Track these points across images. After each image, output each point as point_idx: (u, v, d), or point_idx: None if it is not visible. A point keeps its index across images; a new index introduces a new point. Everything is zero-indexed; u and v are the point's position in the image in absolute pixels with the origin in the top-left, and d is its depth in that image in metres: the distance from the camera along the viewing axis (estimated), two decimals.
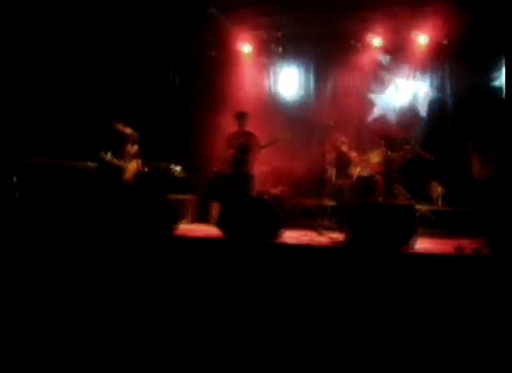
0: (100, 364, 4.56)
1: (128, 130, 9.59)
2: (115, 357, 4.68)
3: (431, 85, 11.42)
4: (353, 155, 10.28)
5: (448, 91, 11.23)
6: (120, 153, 9.54)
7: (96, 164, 9.85)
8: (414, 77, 11.45)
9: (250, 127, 9.76)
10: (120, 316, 5.71)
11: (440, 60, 11.26)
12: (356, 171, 10.09)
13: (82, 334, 5.17)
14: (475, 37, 10.49)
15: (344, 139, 10.35)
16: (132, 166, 9.52)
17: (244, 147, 9.49)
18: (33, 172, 9.51)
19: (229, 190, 9.58)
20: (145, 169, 9.73)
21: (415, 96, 11.51)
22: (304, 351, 4.90)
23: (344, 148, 10.28)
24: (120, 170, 9.44)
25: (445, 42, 11.08)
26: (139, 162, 9.62)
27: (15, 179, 9.37)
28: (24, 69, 10.75)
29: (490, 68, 10.76)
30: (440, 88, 11.31)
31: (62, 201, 9.04)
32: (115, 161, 9.39)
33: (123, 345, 4.95)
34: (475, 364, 4.63)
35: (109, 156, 9.36)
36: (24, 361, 4.53)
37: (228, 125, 10.38)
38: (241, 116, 9.65)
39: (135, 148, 9.60)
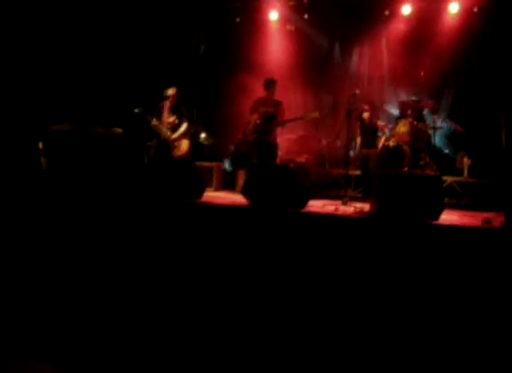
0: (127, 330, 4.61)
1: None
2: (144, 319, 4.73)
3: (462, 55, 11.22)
4: (379, 123, 10.20)
5: (478, 61, 11.03)
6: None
7: (122, 130, 9.86)
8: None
9: (278, 97, 9.67)
10: (147, 281, 5.76)
11: (470, 29, 11.03)
12: (382, 140, 10.02)
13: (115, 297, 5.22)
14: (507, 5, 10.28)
15: (367, 108, 10.25)
16: (185, 145, 9.58)
17: (270, 115, 9.41)
18: (60, 138, 9.54)
19: (254, 158, 9.54)
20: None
21: None
22: (332, 326, 4.91)
23: (368, 117, 10.19)
24: (170, 144, 9.51)
25: (475, 10, 10.88)
26: (189, 141, 9.71)
27: (41, 145, 9.41)
28: (54, 35, 10.73)
29: None
30: (470, 59, 11.12)
31: (89, 167, 9.07)
32: (154, 122, 9.45)
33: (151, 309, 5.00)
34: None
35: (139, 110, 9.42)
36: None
37: (253, 92, 10.32)
38: (269, 84, 9.55)
39: (186, 124, 9.63)
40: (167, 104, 9.54)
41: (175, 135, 9.43)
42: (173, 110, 9.57)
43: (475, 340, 4.65)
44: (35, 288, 5.69)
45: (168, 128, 9.46)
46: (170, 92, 9.55)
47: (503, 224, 6.85)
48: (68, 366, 4.11)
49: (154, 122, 9.40)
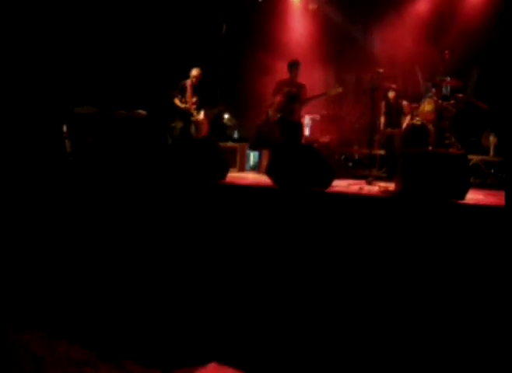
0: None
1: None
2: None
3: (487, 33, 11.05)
4: (404, 103, 10.12)
5: (503, 38, 10.85)
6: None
7: (145, 112, 9.90)
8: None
9: (301, 77, 9.63)
10: (172, 262, 5.81)
11: (495, 5, 10.85)
12: (407, 119, 9.95)
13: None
14: None
15: (394, 87, 10.17)
16: (205, 127, 9.65)
17: (293, 95, 9.39)
18: (83, 121, 9.60)
19: (277, 138, 9.54)
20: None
21: None
22: (359, 305, 4.93)
23: (394, 96, 10.11)
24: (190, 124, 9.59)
25: None
26: (208, 121, 9.79)
27: (65, 128, 9.48)
28: (76, 17, 10.76)
29: None
30: (495, 36, 10.94)
31: (113, 150, 9.12)
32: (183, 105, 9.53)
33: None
34: None
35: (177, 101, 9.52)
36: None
37: (276, 72, 10.30)
38: (293, 65, 9.52)
39: (196, 98, 9.69)
40: (190, 83, 9.59)
41: (201, 116, 9.50)
42: (196, 91, 9.62)
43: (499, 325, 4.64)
44: (57, 273, 5.78)
45: (191, 108, 9.52)
46: (194, 72, 9.60)
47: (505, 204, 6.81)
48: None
49: (180, 103, 9.48)
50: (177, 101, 9.55)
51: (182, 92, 9.63)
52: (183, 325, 4.78)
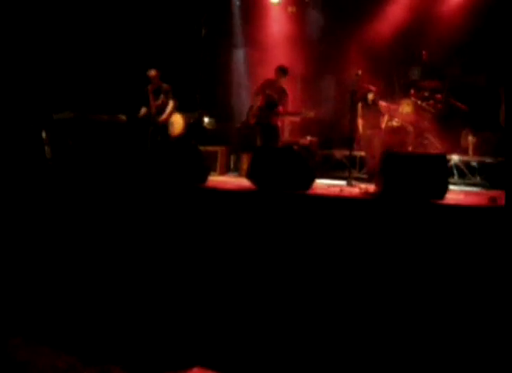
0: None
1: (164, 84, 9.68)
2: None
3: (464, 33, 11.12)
4: (382, 104, 10.15)
5: (481, 38, 10.94)
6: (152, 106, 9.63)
7: (126, 117, 9.87)
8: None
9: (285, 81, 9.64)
10: (153, 266, 5.79)
11: (472, 5, 10.93)
12: (385, 121, 9.98)
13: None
14: None
15: (372, 88, 10.21)
16: (178, 119, 9.62)
17: (272, 101, 9.41)
18: (62, 126, 9.55)
19: (256, 141, 9.56)
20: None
21: None
22: (339, 309, 4.93)
23: (372, 98, 10.15)
24: (165, 125, 9.54)
25: None
26: (182, 115, 9.73)
27: (44, 134, 9.43)
28: (53, 23, 10.70)
29: None
30: (473, 38, 11.02)
31: (92, 154, 9.09)
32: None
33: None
34: None
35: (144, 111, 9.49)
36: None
37: (256, 76, 10.33)
38: (282, 71, 9.50)
39: (172, 102, 9.65)
40: (150, 87, 9.60)
41: (163, 116, 9.49)
42: (157, 92, 9.61)
43: (482, 324, 4.67)
44: (40, 279, 5.74)
45: (155, 112, 9.53)
46: (150, 74, 9.61)
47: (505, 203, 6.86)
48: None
49: (142, 112, 9.50)
50: (141, 111, 9.59)
51: (147, 97, 9.65)
52: (166, 330, 4.77)
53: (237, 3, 12.58)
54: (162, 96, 9.63)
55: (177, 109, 9.74)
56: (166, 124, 9.58)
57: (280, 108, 9.43)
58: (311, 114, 9.52)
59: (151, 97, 9.67)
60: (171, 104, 9.62)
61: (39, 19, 10.07)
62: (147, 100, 9.68)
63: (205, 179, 7.95)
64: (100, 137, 9.45)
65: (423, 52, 10.27)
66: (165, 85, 9.69)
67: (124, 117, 9.90)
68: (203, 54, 12.73)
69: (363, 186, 8.30)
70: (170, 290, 5.40)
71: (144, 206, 7.05)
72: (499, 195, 7.25)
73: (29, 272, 6.02)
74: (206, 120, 11.83)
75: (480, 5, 10.73)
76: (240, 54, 12.28)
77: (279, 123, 9.63)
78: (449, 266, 5.48)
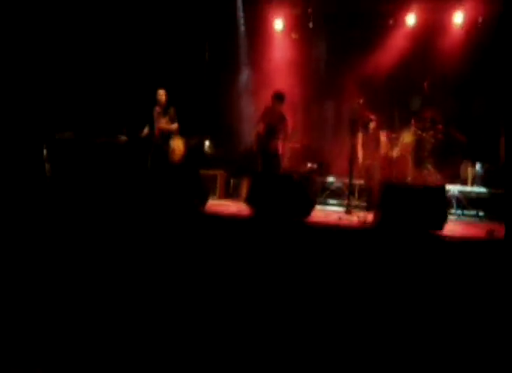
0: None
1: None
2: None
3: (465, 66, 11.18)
4: (382, 134, 10.17)
5: (482, 72, 11.00)
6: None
7: (126, 138, 9.90)
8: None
9: (285, 107, 9.69)
10: (148, 290, 5.76)
11: (474, 40, 11.02)
12: (386, 150, 10.00)
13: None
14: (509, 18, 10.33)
15: (373, 117, 10.23)
16: (179, 144, 9.64)
17: (272, 128, 9.47)
18: (64, 146, 9.58)
19: (257, 167, 9.59)
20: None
21: None
22: (333, 333, 4.91)
23: (373, 127, 10.17)
24: (167, 148, 9.56)
25: (480, 20, 10.90)
26: (184, 139, 9.76)
27: (45, 152, 9.45)
28: (57, 42, 10.77)
29: None
30: (474, 70, 11.08)
31: (92, 175, 9.10)
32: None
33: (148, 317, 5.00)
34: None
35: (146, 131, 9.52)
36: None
37: (258, 102, 10.37)
38: (278, 97, 9.57)
39: (176, 125, 9.69)
40: (157, 109, 9.64)
41: (172, 142, 9.52)
42: (164, 113, 9.64)
43: (478, 349, 4.65)
44: (35, 293, 5.70)
45: (159, 134, 9.56)
46: (159, 94, 9.65)
47: (504, 236, 6.86)
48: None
49: (145, 132, 9.53)
50: (144, 131, 9.61)
51: (151, 119, 9.67)
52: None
53: (242, 28, 12.64)
54: (167, 118, 9.66)
55: (179, 133, 9.76)
56: (167, 147, 9.58)
57: (280, 134, 9.49)
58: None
59: (156, 118, 9.69)
60: (175, 127, 9.65)
61: (45, 39, 10.15)
62: (151, 120, 9.70)
63: (203, 203, 7.97)
64: (100, 158, 9.47)
65: (425, 82, 10.31)
66: (172, 108, 9.71)
67: (124, 138, 9.92)
68: (206, 77, 12.79)
69: (362, 214, 8.30)
70: (165, 311, 5.36)
71: (141, 229, 7.04)
72: (497, 227, 7.27)
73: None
74: (207, 143, 11.86)
75: (480, 36, 10.84)
76: (243, 79, 12.34)
77: (280, 150, 9.67)
78: (446, 296, 5.48)
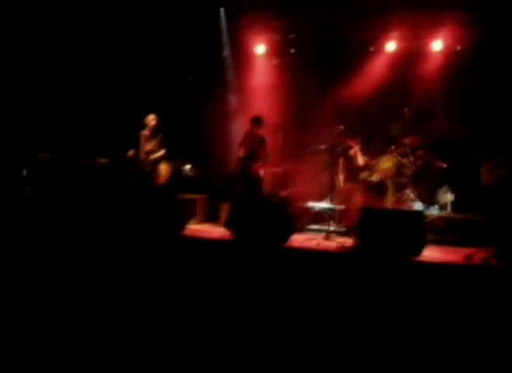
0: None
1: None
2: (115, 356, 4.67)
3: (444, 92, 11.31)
4: (362, 159, 10.21)
5: (460, 98, 11.13)
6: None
7: (107, 160, 9.88)
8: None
9: (263, 131, 9.75)
10: (125, 316, 5.71)
11: (453, 67, 11.15)
12: (366, 176, 10.04)
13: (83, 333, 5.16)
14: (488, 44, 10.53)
15: (353, 144, 10.28)
16: (165, 170, 9.62)
17: (253, 151, 9.51)
18: (44, 166, 9.54)
19: (238, 192, 9.61)
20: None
21: None
22: (307, 356, 4.89)
23: (353, 153, 10.23)
24: (152, 173, 9.52)
25: (458, 48, 11.05)
26: (170, 164, 9.75)
27: (25, 172, 9.41)
28: (38, 65, 10.79)
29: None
30: (453, 95, 11.21)
31: (71, 196, 9.06)
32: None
33: (123, 345, 4.94)
34: None
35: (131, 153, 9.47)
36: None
37: (239, 125, 10.42)
38: (256, 121, 9.64)
39: (164, 150, 9.66)
40: (146, 132, 9.59)
41: (151, 158, 9.46)
42: (152, 138, 9.60)
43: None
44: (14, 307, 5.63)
45: (145, 158, 9.49)
46: (149, 119, 9.61)
47: (484, 262, 6.91)
48: None
49: (130, 154, 9.45)
50: (129, 153, 9.52)
51: (138, 142, 9.58)
52: None
53: (225, 52, 12.70)
54: (154, 143, 9.63)
55: (166, 159, 9.74)
56: (152, 170, 9.54)
57: (259, 157, 9.53)
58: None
59: (143, 142, 9.62)
60: (162, 152, 9.61)
61: (25, 59, 10.16)
62: (136, 143, 9.63)
63: (182, 227, 7.96)
64: (79, 179, 9.45)
65: (405, 109, 10.41)
66: (160, 134, 9.69)
67: (104, 160, 9.90)
68: (188, 100, 12.82)
69: (341, 239, 8.33)
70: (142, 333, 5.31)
71: (118, 251, 7.01)
72: (475, 253, 7.33)
73: None
74: (187, 167, 11.85)
75: (460, 63, 10.98)
76: (224, 102, 12.36)
77: (261, 174, 9.70)
78: (421, 322, 5.48)
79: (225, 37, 12.36)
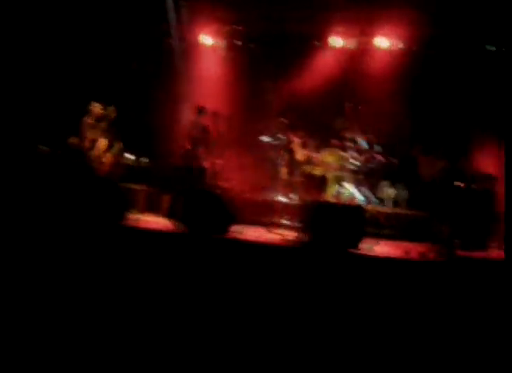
0: None
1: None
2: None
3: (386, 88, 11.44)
4: (302, 154, 10.26)
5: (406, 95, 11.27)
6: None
7: (48, 148, 9.70)
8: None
9: (207, 121, 9.74)
10: (64, 306, 5.63)
11: (396, 64, 11.30)
12: (308, 169, 10.10)
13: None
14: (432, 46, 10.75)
15: (297, 137, 10.33)
16: (108, 158, 9.46)
17: (197, 141, 9.48)
18: None
19: (181, 183, 9.56)
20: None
21: None
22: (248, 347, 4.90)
23: (297, 146, 10.27)
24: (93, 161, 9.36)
25: (401, 46, 11.20)
26: (112, 153, 9.60)
27: None
28: None
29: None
30: (398, 92, 11.33)
31: (11, 185, 8.87)
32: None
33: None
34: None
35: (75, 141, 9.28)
36: None
37: (185, 115, 10.37)
38: (198, 111, 9.63)
39: (106, 140, 9.51)
40: (89, 120, 9.42)
41: (95, 152, 9.31)
42: (95, 126, 9.45)
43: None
44: None
45: (88, 146, 9.33)
46: (94, 107, 9.45)
47: (422, 256, 7.04)
48: None
49: (73, 140, 9.27)
50: (71, 140, 9.33)
51: (82, 129, 9.42)
52: None
53: (172, 42, 12.58)
54: (97, 131, 9.46)
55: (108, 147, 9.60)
56: (95, 160, 9.39)
57: (203, 147, 9.51)
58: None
59: (86, 130, 9.44)
60: (105, 141, 9.46)
61: None
62: (79, 131, 9.44)
63: (123, 217, 7.87)
64: (20, 168, 9.25)
65: (346, 104, 10.50)
66: (104, 122, 9.53)
67: (46, 149, 9.72)
68: (133, 88, 12.68)
69: (284, 232, 8.37)
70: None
71: (58, 240, 6.89)
72: (413, 247, 7.48)
73: None
74: (130, 156, 11.72)
75: (405, 61, 11.15)
76: (170, 92, 12.25)
77: (205, 164, 9.68)
78: (360, 315, 5.54)
79: (173, 26, 12.22)
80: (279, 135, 9.65)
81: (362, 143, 10.42)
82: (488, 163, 9.33)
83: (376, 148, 10.65)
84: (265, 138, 10.44)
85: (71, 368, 4.37)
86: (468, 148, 7.71)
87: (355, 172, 10.25)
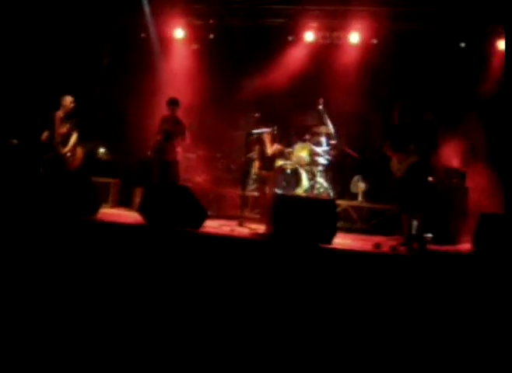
0: None
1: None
2: None
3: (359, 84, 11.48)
4: (277, 147, 10.27)
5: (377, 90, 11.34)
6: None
7: (18, 141, 9.60)
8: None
9: (180, 114, 9.70)
10: (35, 302, 5.59)
11: (369, 59, 11.35)
12: (280, 163, 10.12)
13: None
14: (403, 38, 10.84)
15: (269, 130, 10.32)
16: (79, 153, 9.36)
17: (170, 134, 9.43)
18: None
19: (153, 177, 9.53)
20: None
21: None
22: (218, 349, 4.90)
23: (269, 140, 10.28)
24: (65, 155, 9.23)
25: (375, 42, 11.25)
26: (84, 147, 9.50)
27: None
28: None
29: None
30: (369, 88, 11.39)
31: None
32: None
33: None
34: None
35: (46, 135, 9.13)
36: None
37: (156, 109, 10.33)
38: (172, 103, 9.58)
39: (77, 133, 9.38)
40: (60, 114, 9.29)
41: (66, 149, 9.18)
42: (66, 120, 9.32)
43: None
44: None
45: (60, 140, 9.18)
46: (65, 100, 9.32)
47: (392, 250, 7.11)
48: None
49: (45, 136, 9.13)
50: (43, 135, 9.19)
51: (52, 123, 9.26)
52: None
53: (142, 35, 12.50)
54: (68, 125, 9.33)
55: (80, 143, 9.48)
56: (66, 155, 9.26)
57: (177, 139, 9.47)
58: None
59: (57, 124, 9.30)
60: (75, 137, 9.33)
61: None
62: (50, 125, 9.29)
63: (96, 210, 7.84)
64: None
65: (318, 99, 10.50)
66: (76, 118, 9.41)
67: (15, 141, 9.62)
68: (103, 84, 12.61)
69: (254, 226, 8.40)
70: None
71: (27, 235, 6.83)
72: (384, 241, 7.54)
73: None
74: (101, 150, 11.66)
75: (376, 56, 11.21)
76: (140, 86, 12.18)
77: (178, 157, 9.65)
78: (331, 309, 5.56)
79: (147, 19, 12.14)
80: (251, 129, 9.67)
81: (334, 138, 10.44)
82: (456, 159, 9.46)
83: (346, 142, 10.73)
84: (238, 132, 10.46)
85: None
86: (437, 144, 7.77)
87: (326, 167, 10.30)
